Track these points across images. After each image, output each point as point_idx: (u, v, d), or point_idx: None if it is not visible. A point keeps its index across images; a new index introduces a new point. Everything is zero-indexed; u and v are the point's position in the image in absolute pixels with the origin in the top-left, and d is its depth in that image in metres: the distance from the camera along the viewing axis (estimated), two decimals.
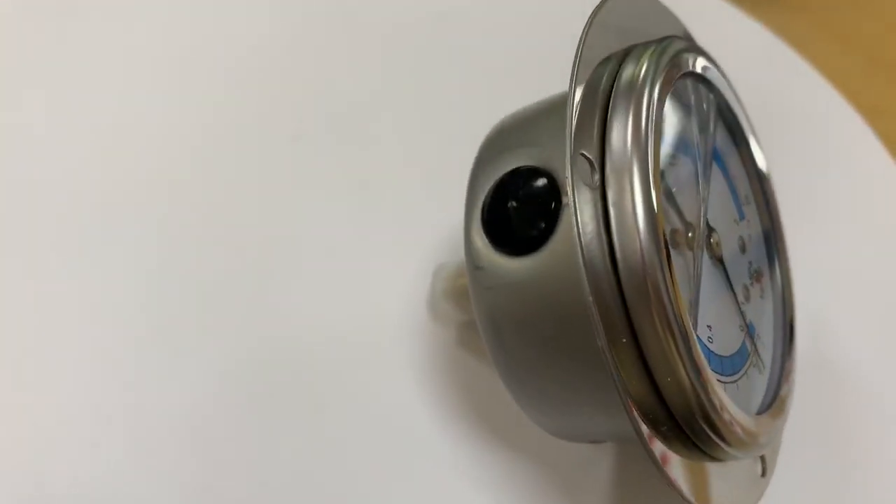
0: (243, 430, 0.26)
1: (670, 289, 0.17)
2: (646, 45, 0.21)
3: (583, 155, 0.18)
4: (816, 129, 0.34)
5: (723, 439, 0.19)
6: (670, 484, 0.19)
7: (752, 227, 0.26)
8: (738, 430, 0.19)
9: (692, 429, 0.19)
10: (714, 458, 0.20)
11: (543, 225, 0.19)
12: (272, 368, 0.27)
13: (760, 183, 0.26)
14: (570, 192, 0.18)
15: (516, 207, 0.20)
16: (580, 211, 0.18)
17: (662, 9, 0.24)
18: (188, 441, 0.25)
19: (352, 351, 0.27)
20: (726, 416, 0.19)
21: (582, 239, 0.18)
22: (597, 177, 0.18)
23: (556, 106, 0.22)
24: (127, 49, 0.34)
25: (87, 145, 0.31)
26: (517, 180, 0.20)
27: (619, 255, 0.18)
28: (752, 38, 0.36)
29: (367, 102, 0.33)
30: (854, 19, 0.43)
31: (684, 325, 0.18)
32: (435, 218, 0.29)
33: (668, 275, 0.17)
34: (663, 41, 0.21)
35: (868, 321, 0.29)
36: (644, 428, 0.18)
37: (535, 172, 0.20)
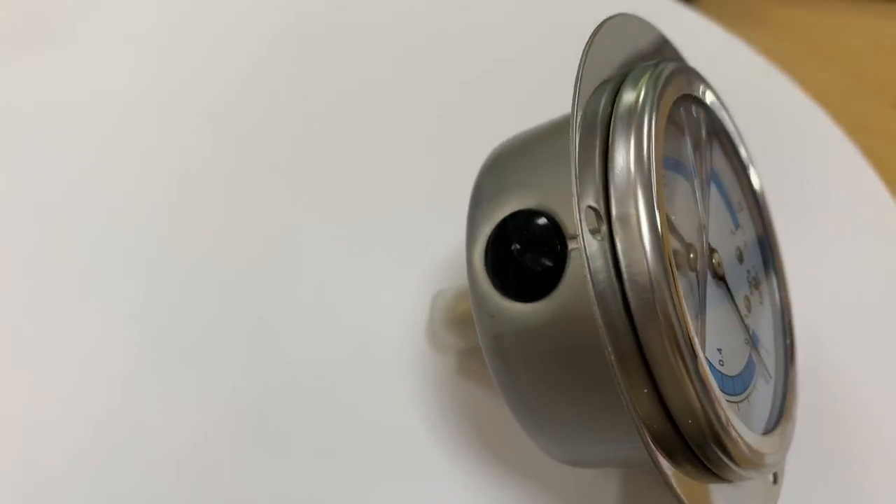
0: (242, 463, 0.25)
1: (680, 317, 0.17)
2: (642, 69, 0.21)
3: (590, 207, 0.18)
4: (802, 145, 0.35)
5: (734, 461, 0.19)
6: None
7: (748, 234, 0.26)
8: (748, 451, 0.19)
9: (705, 454, 0.19)
10: (725, 480, 0.20)
11: (551, 270, 0.19)
12: (269, 403, 0.26)
13: (750, 185, 0.27)
14: (582, 248, 0.18)
15: (522, 253, 0.20)
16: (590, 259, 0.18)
17: (651, 28, 0.24)
18: (188, 477, 0.25)
19: (351, 383, 0.27)
20: (736, 440, 0.19)
21: (595, 287, 0.18)
22: (604, 227, 0.18)
23: (554, 135, 0.22)
24: (107, 79, 0.34)
25: (75, 171, 0.31)
26: (519, 224, 0.20)
27: (629, 294, 0.18)
28: (739, 57, 0.37)
29: (353, 126, 0.33)
30: (838, 39, 0.44)
31: (694, 351, 0.18)
32: (429, 243, 0.30)
33: (678, 306, 0.17)
34: (658, 65, 0.21)
35: (854, 331, 0.30)
36: (661, 459, 0.18)
37: (537, 215, 0.20)
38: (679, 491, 0.18)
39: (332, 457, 0.25)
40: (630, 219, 0.18)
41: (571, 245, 0.19)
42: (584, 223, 0.18)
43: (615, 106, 0.20)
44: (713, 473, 0.20)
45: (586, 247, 0.18)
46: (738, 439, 0.19)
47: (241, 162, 0.32)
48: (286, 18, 0.36)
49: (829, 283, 0.30)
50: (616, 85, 0.21)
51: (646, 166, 0.18)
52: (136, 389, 0.26)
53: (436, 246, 0.30)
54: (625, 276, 0.18)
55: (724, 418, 0.18)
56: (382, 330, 0.28)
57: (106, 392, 0.26)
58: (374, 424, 0.26)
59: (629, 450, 0.20)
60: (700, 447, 0.19)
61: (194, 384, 0.26)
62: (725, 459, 0.19)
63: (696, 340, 0.18)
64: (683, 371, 0.17)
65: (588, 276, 0.18)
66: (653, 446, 0.18)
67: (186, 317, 0.28)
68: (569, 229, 0.19)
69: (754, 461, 0.20)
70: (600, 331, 0.17)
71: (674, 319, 0.17)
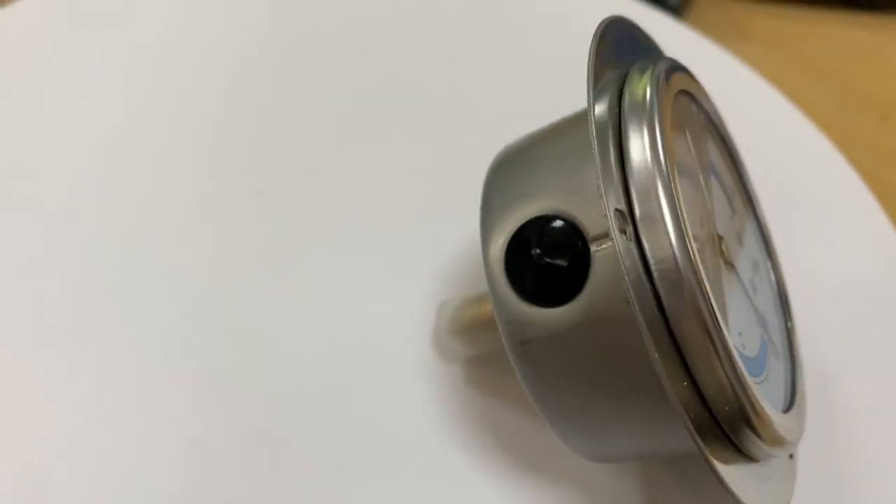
0: (248, 482, 0.25)
1: (711, 309, 0.18)
2: (641, 67, 0.22)
3: (617, 210, 0.19)
4: (790, 159, 0.35)
5: (765, 441, 0.20)
6: (730, 491, 0.19)
7: (743, 218, 0.26)
8: (776, 430, 0.20)
9: (738, 437, 0.19)
10: (753, 460, 0.20)
11: (575, 273, 0.19)
12: (276, 421, 0.26)
13: (738, 170, 0.27)
14: (617, 251, 0.18)
15: (543, 258, 0.20)
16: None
17: (641, 33, 0.25)
18: (189, 482, 0.25)
19: (359, 399, 0.27)
20: (766, 420, 0.19)
21: (628, 283, 0.18)
22: (629, 228, 0.18)
23: (562, 136, 0.22)
24: (102, 83, 0.34)
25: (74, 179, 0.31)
26: (538, 230, 0.20)
27: (661, 290, 0.18)
28: (727, 70, 0.37)
29: (350, 136, 0.33)
30: (826, 52, 0.44)
31: (725, 341, 0.18)
32: (425, 254, 0.30)
33: (708, 298, 0.18)
34: (656, 63, 0.22)
35: (845, 338, 0.30)
36: (703, 445, 0.19)
37: (555, 219, 0.20)
38: (721, 474, 0.19)
39: (344, 470, 0.25)
40: (655, 217, 0.18)
41: (594, 248, 0.19)
42: (615, 225, 0.18)
43: (621, 104, 0.20)
44: (743, 454, 0.20)
45: (617, 245, 0.18)
46: (768, 419, 0.19)
47: (238, 174, 0.31)
48: (268, 39, 0.36)
49: (816, 295, 0.30)
50: (618, 84, 0.21)
51: (663, 163, 0.19)
52: (134, 398, 0.26)
53: (434, 256, 0.30)
54: (654, 273, 0.18)
55: (754, 400, 0.19)
56: (386, 342, 0.28)
57: (108, 401, 0.26)
58: (384, 436, 0.26)
59: (666, 440, 0.21)
60: (734, 430, 0.19)
61: (192, 412, 0.26)
62: (757, 440, 0.20)
63: (726, 330, 0.18)
64: (717, 360, 0.18)
65: (625, 276, 0.18)
66: (696, 434, 0.18)
67: (181, 338, 0.27)
68: (590, 231, 0.19)
69: (781, 439, 0.20)
70: (641, 328, 0.18)
71: (705, 313, 0.18)
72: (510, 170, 0.22)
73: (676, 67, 0.23)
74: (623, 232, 0.18)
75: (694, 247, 0.18)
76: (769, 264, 0.27)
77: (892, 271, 0.32)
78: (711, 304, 0.18)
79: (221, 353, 0.27)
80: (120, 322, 0.28)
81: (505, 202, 0.21)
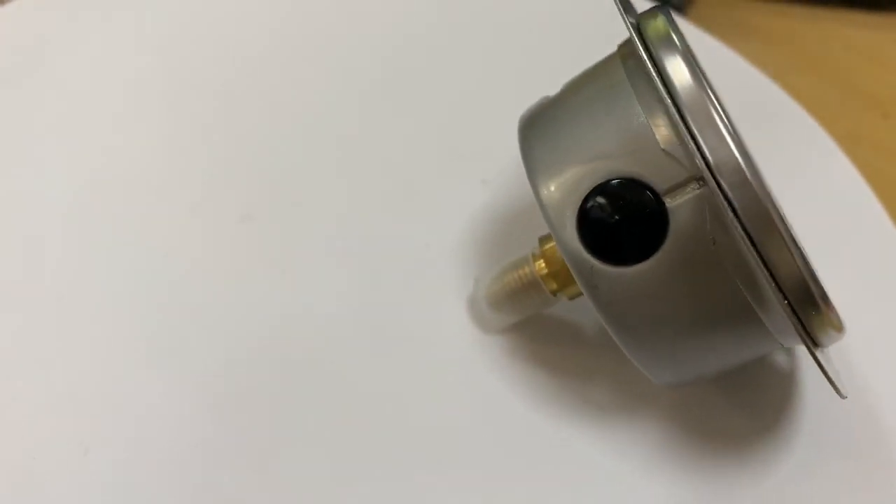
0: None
1: (786, 222, 0.20)
2: (647, 14, 0.22)
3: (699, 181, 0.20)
4: (793, 156, 0.35)
5: (836, 329, 0.21)
6: (830, 379, 0.21)
7: None
8: (839, 315, 0.21)
9: (812, 324, 0.21)
10: (822, 348, 0.22)
11: (656, 229, 0.20)
12: (315, 413, 0.27)
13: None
14: (717, 193, 0.19)
15: (622, 223, 0.21)
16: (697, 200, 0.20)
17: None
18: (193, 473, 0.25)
19: (403, 380, 0.27)
20: (833, 307, 0.21)
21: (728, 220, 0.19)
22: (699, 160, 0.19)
23: (599, 95, 0.22)
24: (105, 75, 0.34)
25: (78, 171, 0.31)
26: (608, 196, 0.21)
27: (744, 218, 0.19)
28: (729, 67, 0.37)
29: (356, 126, 0.33)
30: (829, 50, 0.44)
31: (800, 248, 0.20)
32: (428, 245, 0.30)
33: (781, 213, 0.20)
34: (659, 10, 0.22)
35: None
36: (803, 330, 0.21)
37: (623, 182, 0.21)
38: (817, 354, 0.21)
39: (405, 452, 0.26)
40: (721, 154, 0.19)
41: (668, 201, 0.20)
42: (711, 165, 0.19)
43: (649, 49, 0.21)
44: (817, 346, 0.22)
45: (714, 189, 0.19)
46: (834, 308, 0.21)
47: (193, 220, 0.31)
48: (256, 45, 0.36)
49: None
50: (635, 28, 0.22)
51: (706, 88, 0.20)
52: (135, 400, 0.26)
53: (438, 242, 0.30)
54: (735, 204, 0.19)
55: (825, 293, 0.20)
56: (425, 324, 0.29)
57: (108, 402, 0.26)
58: (432, 416, 0.27)
59: (747, 350, 0.24)
60: (812, 320, 0.21)
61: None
62: (832, 330, 0.21)
63: (800, 243, 0.20)
64: (802, 268, 0.20)
65: (732, 216, 0.19)
66: (806, 335, 0.21)
67: (199, 342, 0.28)
68: (660, 186, 0.20)
69: (841, 325, 0.22)
70: (750, 256, 0.19)
71: (784, 232, 0.19)
72: (554, 139, 0.23)
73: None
74: (699, 180, 0.20)
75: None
76: None
77: (893, 268, 0.32)
78: (785, 217, 0.20)
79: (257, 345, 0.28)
80: (119, 328, 0.28)
81: (563, 173, 0.22)
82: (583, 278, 0.22)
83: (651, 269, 0.21)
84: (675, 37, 0.21)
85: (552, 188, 0.22)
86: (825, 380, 0.22)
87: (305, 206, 0.31)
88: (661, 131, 0.20)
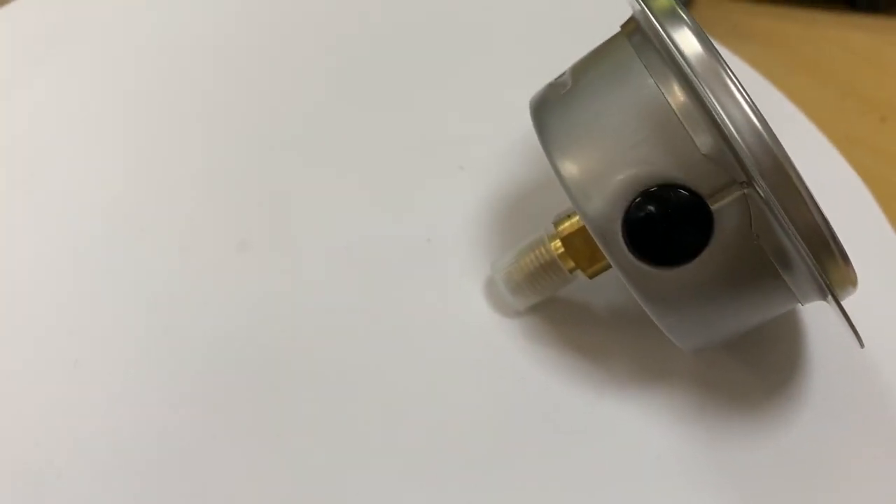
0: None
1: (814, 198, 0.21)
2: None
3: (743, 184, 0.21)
4: (792, 158, 0.35)
5: (853, 284, 0.23)
6: (852, 325, 0.23)
7: None
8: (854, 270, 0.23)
9: (836, 289, 0.22)
10: (838, 301, 0.23)
11: (703, 231, 0.22)
12: (337, 402, 0.27)
13: None
14: (767, 194, 0.21)
15: (670, 228, 0.22)
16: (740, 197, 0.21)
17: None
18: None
19: (427, 364, 0.28)
20: (850, 263, 0.22)
21: (775, 212, 0.21)
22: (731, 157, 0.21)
23: (625, 99, 0.23)
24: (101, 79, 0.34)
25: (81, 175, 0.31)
26: (654, 204, 0.22)
27: (783, 222, 0.21)
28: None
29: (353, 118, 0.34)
30: (827, 54, 0.44)
31: (827, 220, 0.21)
32: (430, 240, 0.30)
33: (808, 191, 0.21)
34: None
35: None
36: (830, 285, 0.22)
37: (665, 187, 0.22)
38: (847, 314, 0.22)
39: (424, 434, 0.27)
40: (763, 161, 0.21)
41: (713, 204, 0.21)
42: (754, 169, 0.20)
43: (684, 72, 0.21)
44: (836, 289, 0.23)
45: (757, 190, 0.21)
46: (852, 264, 0.22)
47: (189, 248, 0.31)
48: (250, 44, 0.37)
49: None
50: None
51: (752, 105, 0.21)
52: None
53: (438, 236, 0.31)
54: (778, 215, 0.21)
55: (846, 253, 0.22)
56: (445, 315, 0.29)
57: (109, 404, 0.27)
58: (460, 398, 0.28)
59: (774, 309, 0.25)
60: (833, 276, 0.22)
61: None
62: (850, 285, 0.23)
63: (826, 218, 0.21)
64: (830, 240, 0.21)
65: (780, 215, 0.20)
66: (834, 295, 0.22)
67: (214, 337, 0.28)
68: (705, 191, 0.21)
69: (856, 280, 0.23)
70: (795, 241, 0.21)
71: (815, 213, 0.21)
72: (586, 147, 0.23)
73: None
74: (742, 183, 0.21)
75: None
76: None
77: (891, 271, 0.32)
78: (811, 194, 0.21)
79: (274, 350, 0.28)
80: (118, 328, 0.28)
81: (602, 184, 0.22)
82: (633, 281, 0.23)
83: (705, 265, 0.22)
84: (713, 57, 0.21)
85: (591, 201, 0.22)
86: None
87: (297, 230, 0.31)
88: (700, 139, 0.21)
